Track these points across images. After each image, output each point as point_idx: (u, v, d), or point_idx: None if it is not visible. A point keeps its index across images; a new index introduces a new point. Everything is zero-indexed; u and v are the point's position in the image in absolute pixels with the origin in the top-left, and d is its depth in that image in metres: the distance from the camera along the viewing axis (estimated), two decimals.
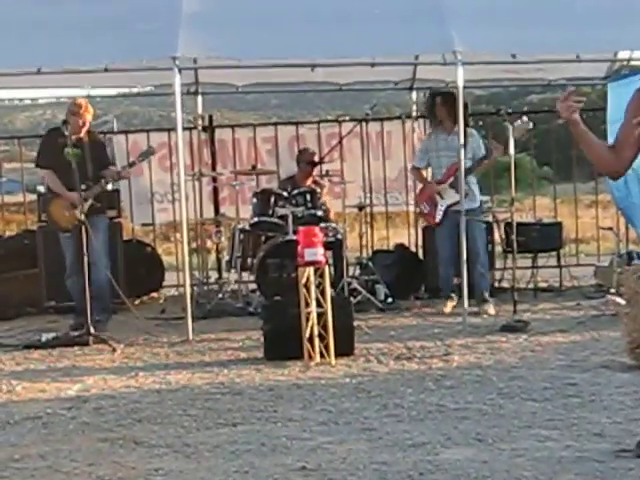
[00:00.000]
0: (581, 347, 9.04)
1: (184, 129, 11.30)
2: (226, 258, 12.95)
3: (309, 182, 12.63)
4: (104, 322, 10.76)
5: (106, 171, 10.84)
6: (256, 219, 12.01)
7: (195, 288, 12.16)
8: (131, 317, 11.23)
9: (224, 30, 11.11)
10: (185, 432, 6.47)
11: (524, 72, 13.44)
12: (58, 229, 10.75)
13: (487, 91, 25.38)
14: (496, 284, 12.97)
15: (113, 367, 8.95)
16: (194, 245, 13.52)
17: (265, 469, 5.53)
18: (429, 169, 12.06)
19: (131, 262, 12.70)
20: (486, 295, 11.41)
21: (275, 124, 15.21)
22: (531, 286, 12.79)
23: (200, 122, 14.19)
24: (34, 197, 13.36)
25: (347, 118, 14.44)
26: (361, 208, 13.03)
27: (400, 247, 13.77)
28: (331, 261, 10.58)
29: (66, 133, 10.31)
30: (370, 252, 13.54)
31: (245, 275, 12.23)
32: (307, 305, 8.62)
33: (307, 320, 8.61)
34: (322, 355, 8.66)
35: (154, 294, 13.60)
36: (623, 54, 12.65)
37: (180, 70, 10.44)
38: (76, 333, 10.23)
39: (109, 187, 11.20)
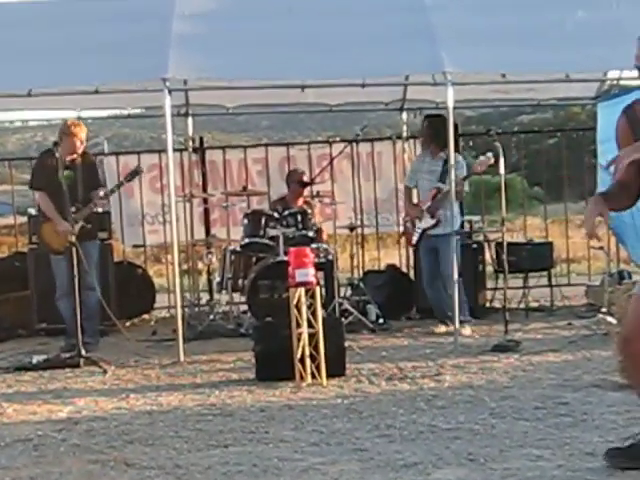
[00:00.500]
0: (573, 366, 9.04)
1: (175, 151, 11.32)
2: (217, 279, 12.96)
3: (300, 203, 12.64)
4: (95, 344, 10.76)
5: (94, 193, 10.85)
6: (247, 240, 12.01)
7: (186, 310, 12.16)
8: (122, 339, 11.23)
9: (214, 52, 11.14)
10: (177, 454, 6.46)
11: (514, 92, 13.48)
12: (50, 251, 10.76)
13: (477, 112, 25.45)
14: (487, 304, 13.02)
15: (104, 389, 8.94)
16: (185, 267, 13.52)
17: None
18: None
19: (122, 284, 12.70)
20: (464, 315, 11.36)
21: (266, 145, 15.29)
22: (522, 306, 12.80)
23: (191, 144, 14.22)
24: (25, 219, 13.34)
25: (338, 139, 14.53)
26: (352, 229, 13.06)
27: (391, 268, 13.79)
28: (322, 282, 10.60)
29: (58, 155, 10.35)
30: (361, 273, 13.56)
31: (236, 296, 12.25)
32: (298, 326, 8.62)
33: (298, 341, 8.61)
34: (314, 376, 8.65)
35: (145, 316, 13.59)
36: (613, 74, 12.67)
37: (170, 92, 10.46)
38: (67, 355, 10.22)
39: (99, 209, 11.19)
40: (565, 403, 7.52)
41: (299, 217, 11.95)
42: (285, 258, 10.39)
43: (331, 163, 13.31)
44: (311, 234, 11.79)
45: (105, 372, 9.66)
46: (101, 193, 11.03)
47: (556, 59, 11.01)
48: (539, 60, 11.01)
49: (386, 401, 7.90)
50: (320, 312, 8.80)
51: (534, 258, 13.22)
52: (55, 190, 10.38)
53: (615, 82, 12.88)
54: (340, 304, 11.67)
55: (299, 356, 8.61)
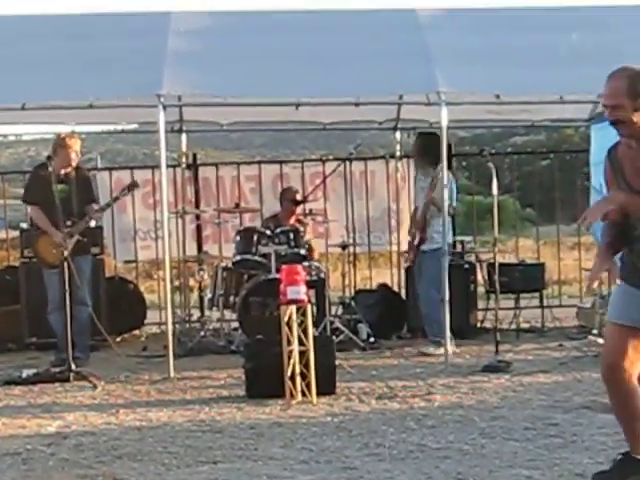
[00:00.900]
0: (563, 388, 9.05)
1: (168, 167, 11.34)
2: (208, 296, 12.95)
3: (292, 221, 12.67)
4: (85, 359, 10.75)
5: (89, 207, 10.88)
6: (239, 257, 12.02)
7: (177, 326, 12.16)
8: (113, 354, 11.23)
9: (209, 68, 11.17)
10: (165, 469, 6.46)
11: (508, 113, 13.50)
12: (44, 265, 10.78)
13: (471, 132, 25.53)
14: (478, 324, 13.03)
15: (94, 404, 8.94)
16: (177, 283, 13.53)
17: None
18: None
19: (113, 299, 12.70)
20: (436, 338, 11.32)
21: (259, 162, 15.27)
22: (513, 326, 12.80)
23: (184, 160, 14.25)
24: (17, 234, 13.34)
25: (331, 157, 14.51)
26: (344, 247, 13.04)
27: (383, 287, 13.79)
28: (314, 300, 10.62)
29: (51, 169, 10.37)
30: (353, 291, 13.54)
31: (227, 313, 12.23)
32: (289, 343, 8.63)
33: (289, 358, 8.61)
34: (304, 394, 8.66)
35: (136, 331, 13.57)
36: None
37: (165, 107, 10.48)
38: (57, 369, 10.21)
39: (92, 223, 11.21)
40: (555, 424, 7.52)
41: (291, 235, 11.96)
42: (277, 275, 10.38)
43: (324, 181, 13.34)
44: (303, 252, 11.80)
45: (95, 387, 9.66)
46: (96, 207, 11.07)
47: (550, 81, 11.05)
48: (533, 81, 11.06)
49: (376, 420, 7.90)
50: (311, 330, 8.81)
51: (526, 279, 13.24)
52: (49, 204, 10.40)
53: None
54: (331, 322, 11.67)
55: (289, 374, 8.61)
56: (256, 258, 11.80)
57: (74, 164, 10.86)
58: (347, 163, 13.59)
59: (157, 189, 12.63)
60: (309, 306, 8.95)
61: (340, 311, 12.65)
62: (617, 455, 5.79)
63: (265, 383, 8.80)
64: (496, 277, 11.50)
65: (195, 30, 11.75)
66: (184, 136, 14.74)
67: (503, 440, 7.06)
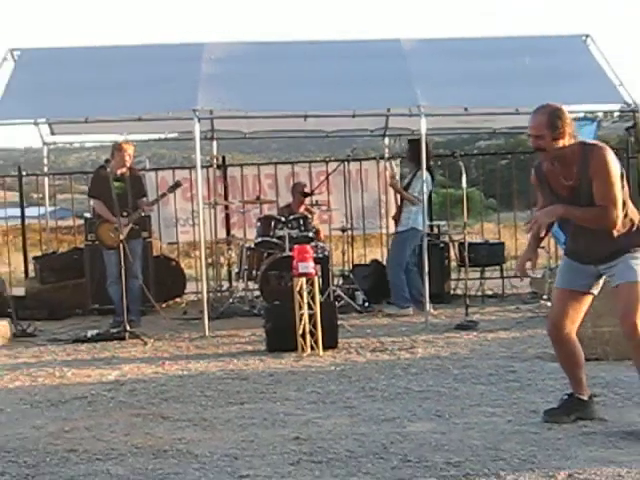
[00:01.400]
0: (520, 342, 9.05)
1: (202, 167, 11.31)
2: (235, 270, 12.95)
3: (302, 209, 12.66)
4: (137, 322, 10.76)
5: (140, 200, 10.90)
6: (259, 239, 12.00)
7: (210, 294, 12.12)
8: (159, 317, 11.23)
9: (235, 88, 11.17)
10: (202, 409, 6.47)
11: (474, 122, 13.49)
12: (104, 246, 10.78)
13: (444, 138, 25.38)
14: (451, 292, 13.02)
15: (144, 357, 8.95)
16: (210, 260, 13.49)
17: (266, 439, 5.53)
18: None
19: (159, 273, 12.69)
20: (397, 302, 11.50)
21: (275, 164, 15.20)
22: (479, 293, 12.77)
23: (215, 162, 14.19)
24: (81, 222, 13.33)
25: (332, 159, 14.45)
26: (343, 231, 13.05)
27: (375, 262, 13.76)
28: (320, 273, 10.58)
29: (110, 169, 10.40)
30: (351, 266, 13.52)
31: (251, 284, 12.21)
32: (300, 308, 8.64)
33: (300, 320, 8.63)
34: (312, 348, 8.66)
35: (177, 299, 13.57)
36: None
37: (199, 120, 10.48)
38: (115, 330, 10.24)
39: (144, 214, 11.23)
40: (513, 371, 7.53)
41: (301, 221, 11.95)
42: (290, 254, 10.37)
43: (327, 178, 13.31)
44: (311, 235, 11.78)
45: (145, 344, 9.67)
46: (146, 200, 11.08)
47: (507, 96, 11.07)
48: (494, 97, 11.06)
49: (370, 368, 7.90)
50: (318, 297, 8.81)
51: (489, 255, 13.22)
52: (108, 198, 10.41)
53: None
54: (334, 291, 11.65)
55: (301, 332, 8.63)
56: (273, 240, 11.78)
57: (128, 165, 10.86)
58: (346, 163, 13.57)
59: (193, 185, 12.65)
60: (316, 278, 8.95)
61: (341, 282, 12.64)
62: (563, 395, 5.81)
63: (281, 339, 8.81)
64: (465, 254, 11.52)
65: (223, 58, 11.74)
66: (215, 143, 14.76)
67: (472, 384, 7.06)
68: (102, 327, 10.67)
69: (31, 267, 13.97)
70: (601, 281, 5.53)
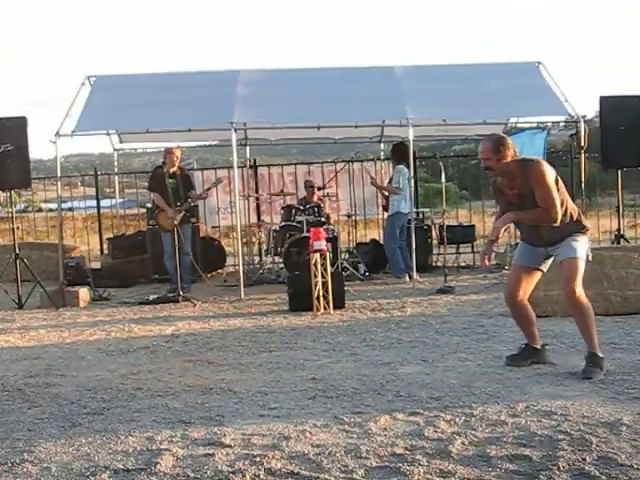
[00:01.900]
0: (487, 303, 9.04)
1: (238, 167, 11.28)
2: (264, 248, 13.01)
3: (314, 199, 12.64)
4: (188, 288, 10.78)
5: (189, 193, 10.91)
6: (283, 223, 12.02)
7: (245, 267, 12.14)
8: (205, 285, 11.26)
9: (263, 105, 11.17)
10: (240, 356, 6.48)
11: (450, 131, 13.44)
12: (162, 230, 10.79)
13: (427, 143, 25.22)
14: (433, 264, 13.00)
15: (194, 316, 8.96)
16: (244, 240, 13.51)
17: (289, 379, 5.54)
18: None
19: (205, 250, 12.72)
20: (395, 274, 11.43)
21: (295, 164, 15.16)
22: (455, 265, 12.76)
23: (248, 163, 14.21)
24: (144, 211, 13.36)
25: (340, 160, 14.42)
26: (349, 216, 13.07)
27: (374, 241, 13.73)
28: (330, 249, 10.57)
29: (164, 169, 10.42)
30: (355, 244, 13.54)
31: (277, 258, 12.23)
32: (315, 277, 8.64)
33: (315, 286, 8.63)
34: (325, 308, 8.68)
35: (219, 270, 13.59)
36: (513, 120, 12.70)
37: (235, 130, 10.47)
38: (171, 295, 10.25)
39: (193, 204, 11.26)
40: (482, 325, 7.53)
41: (316, 209, 11.97)
42: (307, 234, 10.38)
43: (336, 175, 13.30)
44: (323, 219, 11.78)
45: (195, 305, 9.70)
46: (195, 194, 11.08)
47: (477, 111, 11.04)
48: (466, 111, 11.02)
49: (370, 323, 7.91)
50: (329, 268, 8.82)
51: (463, 235, 13.24)
52: (164, 192, 10.43)
53: (514, 125, 12.85)
54: (341, 263, 11.66)
55: (316, 295, 8.63)
56: (294, 224, 11.78)
57: (176, 165, 10.85)
58: (350, 164, 13.66)
59: (231, 182, 12.62)
60: (327, 253, 8.96)
61: (347, 256, 12.64)
62: (521, 345, 5.80)
63: (301, 302, 8.81)
64: (444, 234, 11.52)
65: (254, 81, 11.71)
66: (248, 148, 14.73)
67: (450, 336, 7.06)
68: (161, 292, 10.69)
69: (105, 246, 14.04)
70: (549, 261, 5.55)
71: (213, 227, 14.95)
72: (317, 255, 8.72)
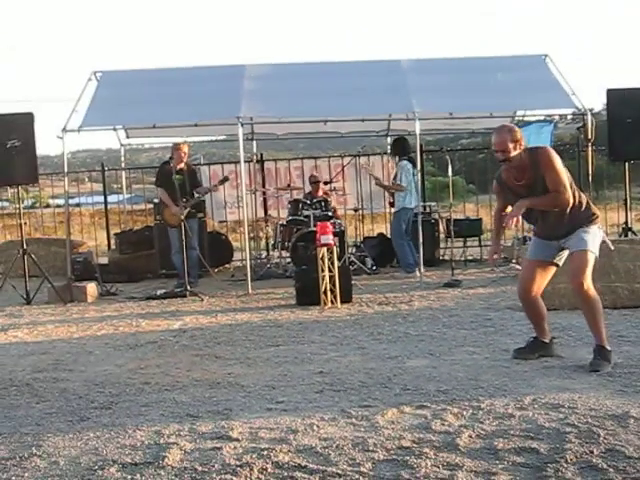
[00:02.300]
0: (494, 296, 9.03)
1: (245, 162, 11.29)
2: (272, 242, 13.01)
3: (320, 194, 12.62)
4: (195, 283, 10.80)
5: (199, 189, 10.94)
6: (290, 217, 12.02)
7: (252, 261, 12.16)
8: (212, 279, 11.27)
9: (270, 99, 11.16)
10: (247, 350, 6.49)
11: (457, 124, 13.40)
12: (168, 225, 10.80)
13: (434, 137, 25.20)
14: (440, 257, 13.00)
15: (201, 310, 8.98)
16: (251, 234, 13.52)
17: (297, 373, 5.55)
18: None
19: (212, 245, 12.73)
20: (405, 269, 11.35)
21: (302, 158, 15.16)
22: (462, 258, 12.76)
23: (255, 158, 14.22)
24: (151, 206, 13.39)
25: (347, 154, 14.42)
26: (356, 210, 13.10)
27: (380, 235, 13.75)
28: (337, 243, 10.57)
29: (172, 164, 10.43)
30: (362, 238, 13.55)
31: (284, 253, 12.24)
32: (322, 271, 8.64)
33: (322, 280, 8.63)
34: (332, 302, 8.68)
35: (227, 265, 13.61)
36: (519, 112, 12.67)
37: (242, 125, 10.46)
38: (178, 289, 10.28)
39: (200, 199, 11.28)
40: (490, 319, 7.52)
41: (323, 203, 11.97)
42: (314, 229, 10.38)
43: (342, 169, 13.30)
44: (330, 214, 11.78)
45: (202, 300, 9.71)
46: (200, 190, 11.09)
47: (484, 103, 11.00)
48: (473, 104, 10.99)
49: (377, 317, 7.91)
50: (336, 262, 8.82)
51: (470, 228, 13.23)
52: (170, 187, 10.43)
53: (521, 118, 12.81)
54: (349, 257, 11.66)
55: (323, 289, 8.64)
56: (301, 218, 11.78)
57: (184, 160, 10.85)
58: (357, 158, 13.64)
59: (238, 176, 12.66)
60: (334, 247, 8.96)
61: (354, 250, 12.64)
62: (529, 338, 5.80)
63: (308, 296, 8.82)
64: (451, 227, 11.51)
65: (260, 76, 11.70)
66: (254, 143, 14.73)
67: (457, 329, 7.06)
68: (168, 287, 10.72)
69: (112, 241, 14.08)
70: (564, 254, 5.53)
71: (220, 222, 14.98)
72: (324, 249, 8.72)
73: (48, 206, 22.45)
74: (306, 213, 11.73)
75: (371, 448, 3.84)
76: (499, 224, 5.78)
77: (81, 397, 5.11)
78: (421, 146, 11.44)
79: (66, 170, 10.86)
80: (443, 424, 4.19)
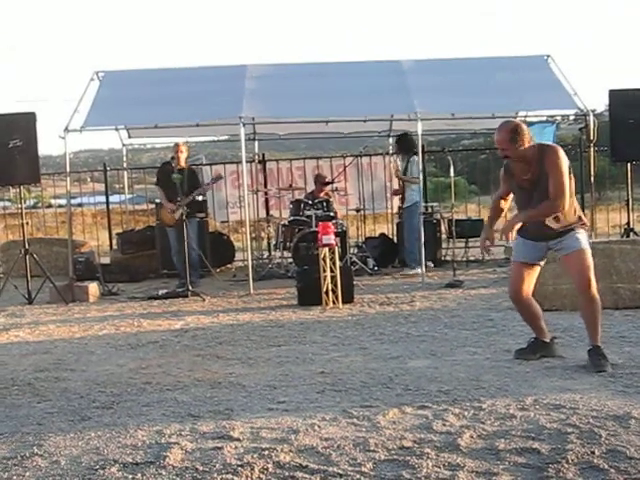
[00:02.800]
0: (496, 297, 9.01)
1: (247, 162, 11.30)
2: (273, 242, 12.99)
3: (322, 194, 12.61)
4: (197, 283, 10.80)
5: (202, 188, 10.97)
6: (292, 218, 12.01)
7: (254, 261, 12.16)
8: (214, 279, 11.29)
9: (271, 99, 11.16)
10: (248, 350, 6.48)
11: (459, 125, 13.42)
12: (164, 225, 10.84)
13: (436, 137, 25.21)
14: (442, 257, 13.00)
15: (203, 310, 8.98)
16: (253, 235, 13.53)
17: (298, 373, 5.54)
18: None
19: (214, 245, 12.75)
20: (410, 264, 11.39)
21: (303, 159, 15.17)
22: (464, 259, 12.76)
23: (257, 158, 14.22)
24: (153, 206, 13.40)
25: (349, 154, 14.43)
26: (358, 210, 13.09)
27: (382, 235, 13.76)
28: (339, 244, 10.57)
29: (173, 165, 10.44)
30: (363, 238, 13.54)
31: (285, 253, 12.23)
32: (324, 271, 8.64)
33: (324, 280, 8.63)
34: (334, 302, 8.68)
35: (228, 265, 13.60)
36: (521, 113, 12.65)
37: (244, 125, 10.48)
38: (180, 289, 10.28)
39: (200, 198, 11.28)
40: (491, 319, 7.52)
41: (324, 203, 11.96)
42: (316, 229, 10.37)
43: (344, 170, 13.30)
44: (332, 214, 11.78)
45: (204, 300, 9.70)
46: (199, 190, 11.10)
47: (485, 104, 11.00)
48: (475, 105, 10.98)
49: (379, 318, 7.90)
50: (338, 262, 8.82)
51: (471, 229, 13.17)
52: (171, 187, 10.44)
53: (523, 118, 12.79)
54: (350, 258, 11.66)
55: (325, 290, 8.64)
56: (303, 218, 11.78)
57: (183, 160, 10.86)
58: (359, 158, 13.64)
59: (240, 176, 12.67)
60: (336, 248, 8.95)
61: (355, 251, 12.64)
62: (530, 338, 5.79)
63: (310, 296, 8.82)
64: (453, 228, 11.51)
65: (262, 76, 11.71)
66: (256, 143, 14.73)
67: (459, 330, 7.05)
68: (170, 287, 10.73)
69: (114, 241, 14.09)
70: (548, 255, 5.59)
71: (222, 222, 14.99)
72: (326, 249, 8.72)
73: (50, 206, 22.50)
74: (308, 213, 11.73)
75: (372, 448, 3.83)
76: (495, 212, 5.82)
77: (82, 397, 5.11)
78: (423, 146, 11.45)
79: (68, 170, 10.87)
80: (444, 424, 4.19)
